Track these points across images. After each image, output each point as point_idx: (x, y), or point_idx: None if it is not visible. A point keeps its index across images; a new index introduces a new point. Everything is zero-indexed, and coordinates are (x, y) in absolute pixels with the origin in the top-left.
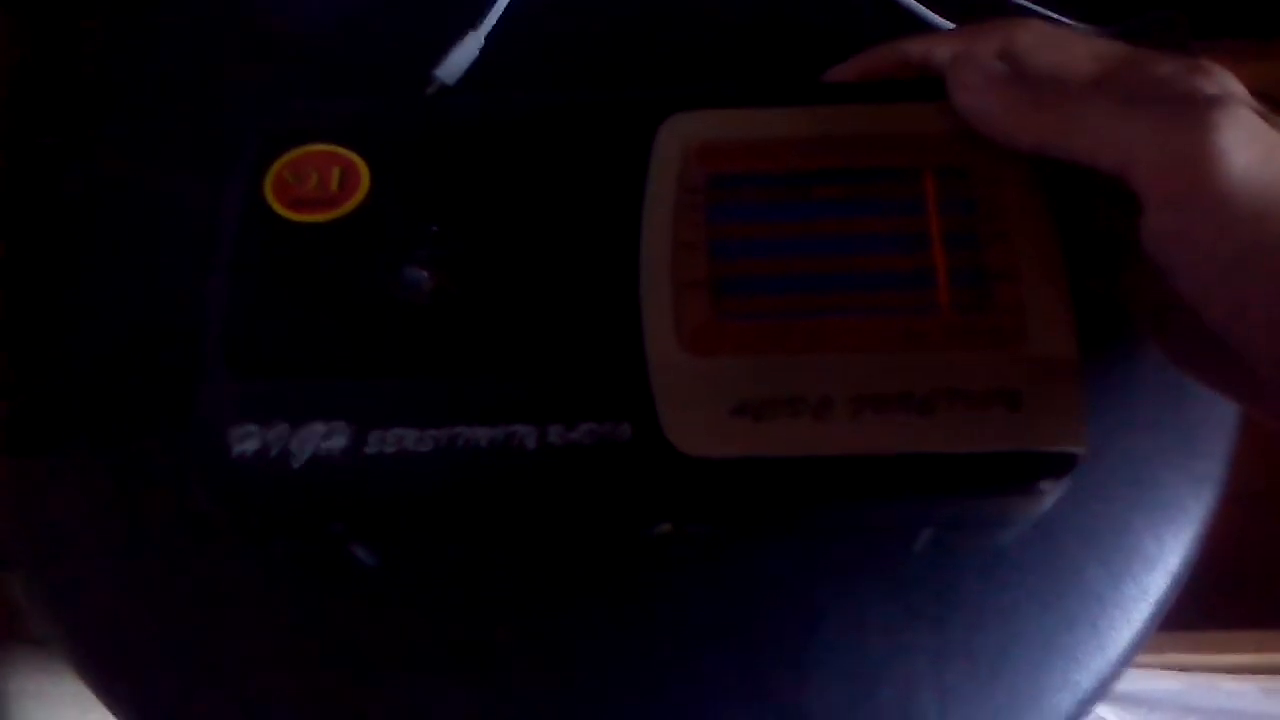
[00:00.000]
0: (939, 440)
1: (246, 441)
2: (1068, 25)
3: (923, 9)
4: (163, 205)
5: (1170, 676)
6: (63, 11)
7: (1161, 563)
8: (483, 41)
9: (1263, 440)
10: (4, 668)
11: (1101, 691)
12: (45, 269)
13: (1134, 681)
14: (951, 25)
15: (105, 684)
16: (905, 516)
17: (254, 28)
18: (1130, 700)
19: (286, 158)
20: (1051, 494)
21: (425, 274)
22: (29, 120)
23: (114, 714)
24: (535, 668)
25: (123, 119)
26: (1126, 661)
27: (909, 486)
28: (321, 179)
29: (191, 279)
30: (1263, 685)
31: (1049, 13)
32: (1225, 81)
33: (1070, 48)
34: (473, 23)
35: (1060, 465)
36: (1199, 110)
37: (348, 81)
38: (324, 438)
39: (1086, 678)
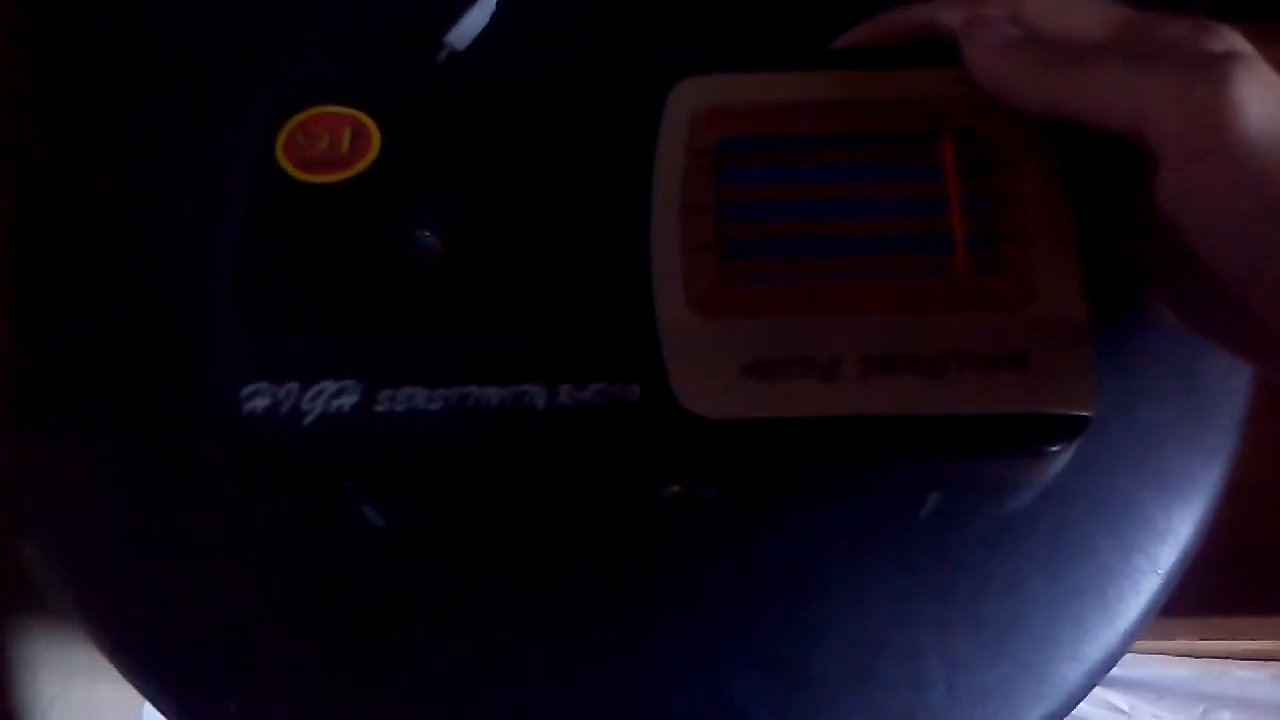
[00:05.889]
0: (947, 402)
1: (257, 399)
2: None
3: None
4: (175, 165)
5: (1183, 663)
6: None
7: (1171, 535)
8: (494, 7)
9: (1275, 430)
10: (18, 636)
11: (1109, 663)
12: (56, 227)
13: (1146, 668)
14: None
15: (111, 645)
16: (913, 478)
17: None
18: (1143, 687)
19: (298, 119)
20: (1060, 457)
21: (435, 235)
22: (53, 82)
23: (125, 676)
24: (537, 634)
25: (138, 80)
26: (1135, 634)
27: (917, 448)
28: (333, 140)
29: (197, 239)
30: (1275, 672)
31: None
32: (1234, 40)
33: (1077, 11)
34: None
35: (1069, 427)
36: (1214, 64)
37: (360, 48)
38: (334, 396)
39: (1095, 648)
